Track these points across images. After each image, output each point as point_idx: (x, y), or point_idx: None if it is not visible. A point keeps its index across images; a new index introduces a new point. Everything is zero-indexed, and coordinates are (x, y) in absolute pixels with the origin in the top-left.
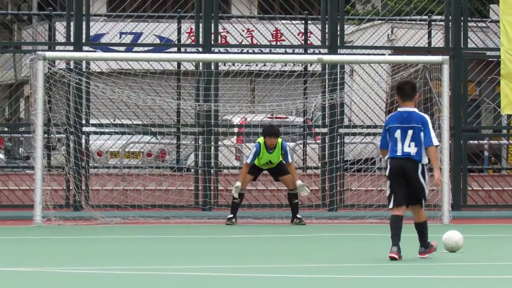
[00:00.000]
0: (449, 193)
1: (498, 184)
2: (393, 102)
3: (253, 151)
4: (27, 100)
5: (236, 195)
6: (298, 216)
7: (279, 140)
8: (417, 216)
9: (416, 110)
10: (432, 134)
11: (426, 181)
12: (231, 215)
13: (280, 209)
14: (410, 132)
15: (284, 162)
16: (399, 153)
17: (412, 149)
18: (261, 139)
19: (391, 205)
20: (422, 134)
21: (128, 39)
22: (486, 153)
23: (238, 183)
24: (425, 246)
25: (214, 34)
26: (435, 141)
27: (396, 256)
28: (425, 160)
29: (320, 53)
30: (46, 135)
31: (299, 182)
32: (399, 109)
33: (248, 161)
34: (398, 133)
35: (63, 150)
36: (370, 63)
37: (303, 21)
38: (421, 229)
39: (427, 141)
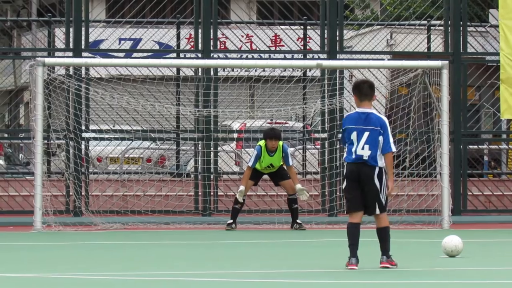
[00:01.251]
0: (449, 198)
1: (498, 189)
2: (392, 107)
3: (254, 154)
4: (27, 106)
5: (240, 199)
6: (298, 221)
7: (280, 143)
8: (378, 222)
9: (374, 111)
10: (391, 139)
11: (383, 184)
12: (231, 221)
13: (280, 215)
14: (366, 134)
15: (284, 165)
16: (353, 156)
17: (365, 152)
18: (261, 142)
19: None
20: (380, 137)
21: (127, 45)
22: (486, 158)
23: (242, 187)
24: (387, 254)
25: (213, 39)
26: (393, 147)
27: (356, 268)
28: (381, 163)
29: (319, 58)
30: (45, 141)
31: (298, 186)
32: (356, 110)
33: (250, 164)
34: (354, 135)
35: (63, 156)
36: (369, 68)
37: (302, 27)
38: (383, 235)
39: (386, 147)
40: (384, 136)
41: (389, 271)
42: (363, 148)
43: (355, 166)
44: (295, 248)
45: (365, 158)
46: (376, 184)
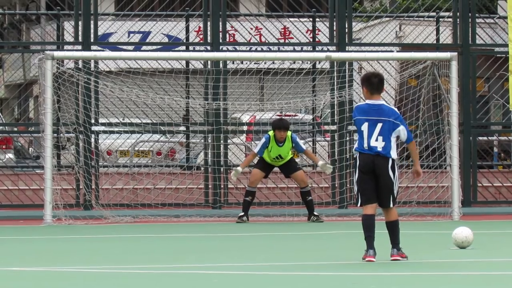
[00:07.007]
0: (459, 189)
1: (508, 180)
2: (401, 99)
3: (262, 142)
4: (36, 99)
5: (234, 179)
6: (315, 213)
7: (289, 133)
8: (387, 215)
9: (385, 103)
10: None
11: (395, 176)
12: (242, 213)
13: (290, 207)
14: (379, 125)
15: (297, 156)
16: (365, 147)
17: (379, 144)
18: (271, 132)
19: (359, 203)
20: (395, 128)
21: (136, 38)
22: (495, 149)
23: (239, 168)
24: (398, 247)
25: (222, 32)
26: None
27: (374, 260)
28: (394, 154)
29: (328, 50)
30: (55, 135)
31: (321, 163)
32: (367, 102)
33: (256, 150)
34: (365, 126)
35: (72, 149)
36: (379, 60)
37: (311, 19)
38: (393, 228)
39: (410, 136)
40: (405, 126)
41: (400, 263)
42: (376, 140)
43: (369, 158)
44: (306, 240)
45: (379, 149)
46: (391, 176)
